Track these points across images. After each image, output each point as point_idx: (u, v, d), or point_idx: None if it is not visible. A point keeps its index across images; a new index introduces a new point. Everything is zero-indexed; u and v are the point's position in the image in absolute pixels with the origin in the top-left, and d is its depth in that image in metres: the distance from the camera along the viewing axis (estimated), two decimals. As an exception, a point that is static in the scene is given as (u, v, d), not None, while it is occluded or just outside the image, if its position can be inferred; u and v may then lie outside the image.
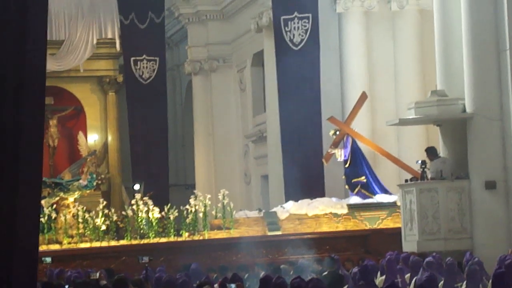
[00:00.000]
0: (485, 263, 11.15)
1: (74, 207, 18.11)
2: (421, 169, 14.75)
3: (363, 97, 18.76)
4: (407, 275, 11.34)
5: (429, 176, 14.42)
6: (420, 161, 14.89)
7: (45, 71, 5.32)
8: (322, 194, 18.72)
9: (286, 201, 18.63)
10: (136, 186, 21.44)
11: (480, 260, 11.27)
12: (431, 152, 14.73)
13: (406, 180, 15.24)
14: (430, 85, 17.15)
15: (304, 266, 12.29)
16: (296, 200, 18.31)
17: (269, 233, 17.45)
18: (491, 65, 14.00)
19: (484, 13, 13.96)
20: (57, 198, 18.49)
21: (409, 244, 14.35)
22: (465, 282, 9.91)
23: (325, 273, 11.49)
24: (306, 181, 18.89)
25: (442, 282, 10.30)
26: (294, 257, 15.15)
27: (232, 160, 24.87)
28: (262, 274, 10.79)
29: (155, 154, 24.27)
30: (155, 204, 17.95)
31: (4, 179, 5.19)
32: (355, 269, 10.44)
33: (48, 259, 14.34)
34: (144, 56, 24.56)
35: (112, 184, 25.39)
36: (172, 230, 17.57)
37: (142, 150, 24.30)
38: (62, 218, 17.84)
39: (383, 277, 11.46)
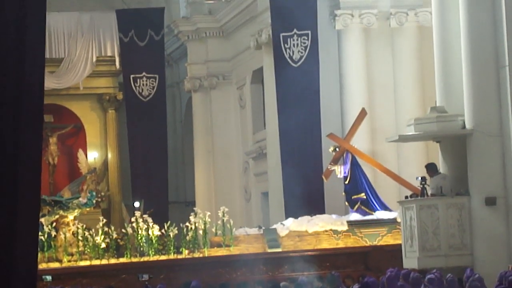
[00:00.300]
0: (486, 280, 11.12)
1: (74, 225, 18.09)
2: (421, 186, 14.74)
3: (363, 113, 18.80)
4: (408, 292, 11.28)
5: (429, 193, 14.41)
6: (420, 178, 14.89)
7: (43, 90, 5.33)
8: (322, 211, 18.70)
9: (286, 217, 18.61)
10: (136, 204, 21.42)
11: (481, 277, 11.23)
12: (431, 168, 14.74)
13: (406, 197, 15.22)
14: (429, 102, 17.17)
15: (304, 283, 12.23)
16: (297, 217, 18.28)
17: (269, 250, 17.40)
18: (490, 81, 14.03)
19: (483, 30, 14.01)
20: (57, 216, 18.46)
21: (410, 261, 14.32)
22: (466, 299, 9.87)
23: (326, 290, 11.45)
24: (306, 198, 18.87)
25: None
26: (295, 274, 15.11)
27: (232, 177, 24.86)
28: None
29: (155, 171, 24.30)
30: (155, 222, 17.92)
31: (2, 197, 5.18)
32: (356, 286, 10.41)
33: (49, 278, 14.32)
34: (143, 73, 24.65)
35: (112, 201, 25.39)
36: (172, 248, 17.52)
37: (142, 167, 24.33)
38: (62, 236, 17.81)
39: (384, 294, 11.40)
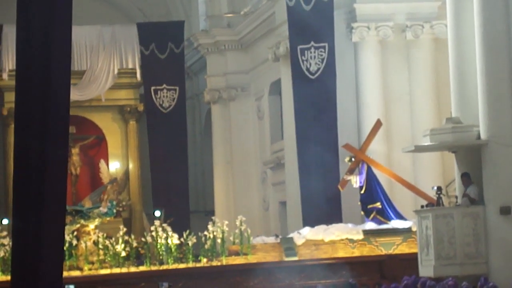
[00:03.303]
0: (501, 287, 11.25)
1: (94, 234, 18.32)
2: (437, 195, 14.88)
3: (378, 124, 18.98)
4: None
5: (471, 196, 14.42)
6: (435, 187, 15.03)
7: (69, 105, 5.56)
8: (339, 220, 18.88)
9: (304, 226, 18.80)
10: (157, 213, 21.65)
11: (495, 285, 11.37)
12: (468, 177, 14.75)
13: (422, 206, 15.36)
14: (445, 113, 17.31)
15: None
16: (314, 226, 18.46)
17: (286, 259, 17.58)
18: (505, 92, 14.15)
19: (498, 42, 14.15)
20: (78, 225, 18.70)
21: (426, 269, 14.45)
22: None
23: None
24: (324, 207, 19.07)
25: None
26: (311, 282, 15.29)
27: (250, 187, 25.09)
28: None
29: (175, 181, 24.57)
30: (176, 231, 18.14)
31: (30, 207, 5.39)
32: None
33: (72, 287, 14.44)
34: (164, 85, 24.98)
35: (133, 211, 25.67)
36: (190, 256, 17.73)
37: (162, 177, 24.61)
38: (83, 245, 18.04)
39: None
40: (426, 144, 15.06)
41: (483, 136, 14.33)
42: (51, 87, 5.45)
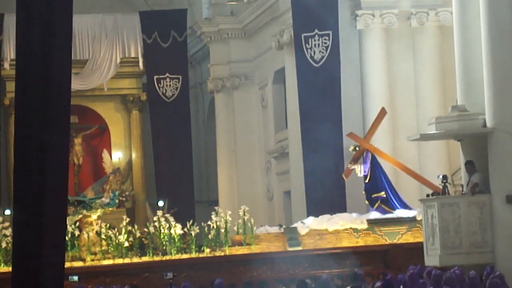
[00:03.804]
0: (507, 277, 11.18)
1: (97, 224, 18.27)
2: (442, 184, 14.81)
3: (382, 113, 18.90)
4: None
5: (475, 181, 14.36)
6: (441, 176, 14.96)
7: (70, 94, 5.49)
8: (343, 209, 18.82)
9: (308, 216, 18.75)
10: (160, 203, 21.60)
11: (502, 274, 11.29)
12: (472, 164, 14.66)
13: (428, 195, 15.29)
14: (450, 101, 17.21)
15: (327, 281, 12.35)
16: (319, 216, 18.41)
17: (290, 249, 17.53)
18: (511, 80, 14.04)
19: (504, 29, 14.04)
20: (80, 216, 18.65)
21: (431, 259, 14.38)
22: (486, 296, 9.94)
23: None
24: (328, 197, 19.02)
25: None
26: (315, 272, 15.24)
27: (254, 176, 25.03)
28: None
29: (179, 171, 24.51)
30: (181, 221, 18.08)
31: (31, 199, 5.33)
32: (378, 284, 10.51)
33: (75, 278, 14.38)
34: (167, 74, 24.88)
35: (136, 201, 25.63)
36: (194, 246, 17.68)
37: (166, 167, 24.55)
38: (85, 236, 17.99)
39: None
40: (431, 132, 14.97)
41: (489, 124, 14.24)
42: (52, 76, 5.38)
